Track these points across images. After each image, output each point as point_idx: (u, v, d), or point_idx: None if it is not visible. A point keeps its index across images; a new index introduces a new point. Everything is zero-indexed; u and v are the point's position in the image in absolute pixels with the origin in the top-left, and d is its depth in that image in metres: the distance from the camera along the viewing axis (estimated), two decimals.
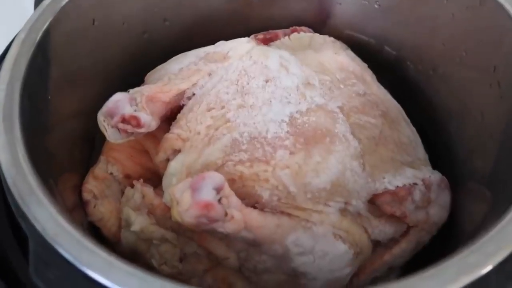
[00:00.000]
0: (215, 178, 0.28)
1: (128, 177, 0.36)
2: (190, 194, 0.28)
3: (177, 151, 0.33)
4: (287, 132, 0.32)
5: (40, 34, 0.30)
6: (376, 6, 0.42)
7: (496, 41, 0.32)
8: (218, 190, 0.28)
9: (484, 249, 0.21)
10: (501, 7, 0.32)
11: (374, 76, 0.41)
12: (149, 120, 0.32)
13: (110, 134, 0.32)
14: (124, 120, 0.31)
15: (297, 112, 0.33)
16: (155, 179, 0.35)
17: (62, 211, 0.23)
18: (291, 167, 0.31)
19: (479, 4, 0.33)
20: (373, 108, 0.37)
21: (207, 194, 0.28)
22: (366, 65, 0.41)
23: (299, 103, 0.34)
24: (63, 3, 0.33)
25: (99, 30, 0.37)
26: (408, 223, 0.35)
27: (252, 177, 0.31)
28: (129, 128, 0.31)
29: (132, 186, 0.34)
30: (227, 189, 0.28)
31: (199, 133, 0.32)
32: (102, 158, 0.36)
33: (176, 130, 0.33)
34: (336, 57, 0.39)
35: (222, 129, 0.32)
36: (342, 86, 0.37)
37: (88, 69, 0.37)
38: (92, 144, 0.39)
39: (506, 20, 0.31)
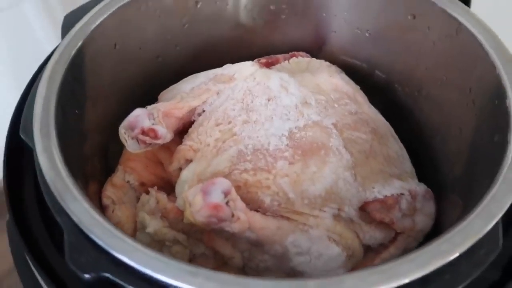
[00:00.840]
0: (223, 183, 0.32)
1: (143, 185, 0.39)
2: (202, 197, 0.31)
3: (189, 161, 0.37)
4: (287, 145, 0.37)
5: (72, 54, 0.35)
6: (367, 34, 0.46)
7: (470, 66, 0.37)
8: (226, 194, 0.32)
9: (453, 239, 0.24)
10: (474, 37, 0.36)
11: (365, 97, 0.45)
12: (165, 133, 0.36)
13: (130, 145, 0.36)
14: (143, 132, 0.35)
15: (295, 127, 0.38)
16: (168, 187, 0.39)
17: (93, 206, 0.27)
18: (290, 176, 0.35)
19: (455, 34, 0.38)
20: (364, 125, 0.41)
21: (216, 197, 0.31)
22: (358, 87, 0.46)
23: (298, 119, 0.38)
24: (92, 28, 0.37)
25: (120, 53, 0.41)
26: (396, 229, 0.39)
27: (255, 184, 0.35)
28: (147, 139, 0.35)
29: (147, 193, 0.38)
30: (233, 193, 0.32)
31: (208, 145, 0.36)
32: (119, 167, 0.40)
33: (188, 142, 0.37)
34: (331, 80, 0.43)
35: (229, 142, 0.36)
36: (336, 105, 0.41)
37: (108, 88, 0.41)
38: (107, 155, 0.43)
39: (478, 48, 0.36)
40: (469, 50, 0.37)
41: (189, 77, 0.43)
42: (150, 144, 0.36)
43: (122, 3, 0.40)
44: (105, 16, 0.38)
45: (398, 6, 0.42)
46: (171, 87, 0.43)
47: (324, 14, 0.47)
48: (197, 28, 0.47)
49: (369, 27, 0.46)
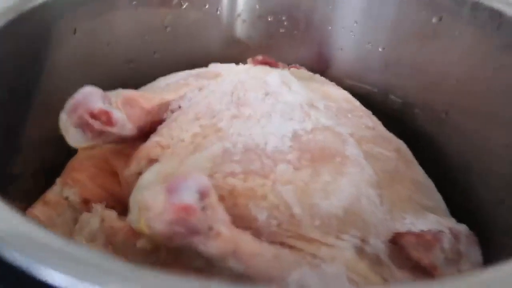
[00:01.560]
0: (199, 180, 0.22)
1: (86, 202, 0.28)
2: (165, 196, 0.21)
3: (153, 161, 0.26)
4: (290, 146, 0.27)
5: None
6: (380, 49, 0.39)
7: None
8: (203, 195, 0.21)
9: None
10: None
11: (379, 121, 0.37)
12: (122, 120, 0.26)
13: (72, 136, 0.26)
14: (92, 115, 0.25)
15: (301, 129, 0.28)
16: (119, 207, 0.28)
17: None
18: (295, 183, 0.25)
19: (496, 29, 0.31)
20: (386, 142, 0.32)
21: (188, 196, 0.21)
22: (370, 111, 0.37)
23: (303, 121, 0.29)
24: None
25: (80, 43, 0.33)
26: (436, 277, 0.28)
27: (246, 192, 0.24)
28: (97, 124, 0.25)
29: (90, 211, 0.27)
30: (213, 197, 0.22)
31: (183, 140, 0.26)
32: (58, 180, 0.30)
33: (156, 138, 0.27)
34: (341, 90, 0.35)
35: (212, 138, 0.26)
36: (349, 116, 0.33)
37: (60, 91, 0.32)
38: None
39: None
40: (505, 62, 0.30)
41: (167, 75, 0.34)
42: (100, 134, 0.25)
43: None
44: None
45: (419, 7, 0.35)
46: (142, 87, 0.34)
47: (330, 27, 0.41)
48: (181, 33, 0.39)
49: (383, 39, 0.39)
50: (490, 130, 0.33)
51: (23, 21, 0.28)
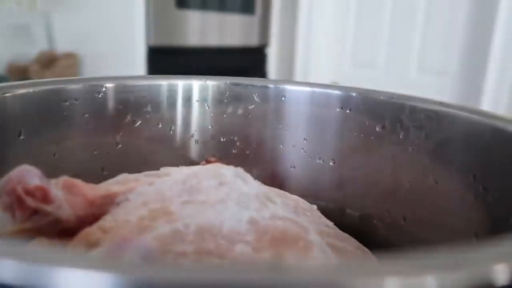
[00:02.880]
0: (144, 243, 0.19)
1: None
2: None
3: (93, 246, 0.23)
4: (248, 229, 0.25)
5: None
6: (331, 164, 0.40)
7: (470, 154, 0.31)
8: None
9: None
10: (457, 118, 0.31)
11: None
12: (60, 200, 0.23)
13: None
14: (27, 192, 0.22)
15: (258, 216, 0.26)
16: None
17: None
18: None
19: (435, 129, 0.33)
20: (348, 240, 0.31)
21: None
22: None
23: (261, 210, 0.27)
24: None
25: (26, 149, 0.32)
26: None
27: None
28: (31, 202, 0.22)
29: None
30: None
31: (127, 222, 0.23)
32: None
33: (97, 223, 0.24)
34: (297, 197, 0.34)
35: (161, 221, 0.24)
36: (308, 214, 0.31)
37: None
38: None
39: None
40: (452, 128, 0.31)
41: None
42: (32, 214, 0.22)
43: (45, 87, 0.33)
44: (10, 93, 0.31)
45: (362, 119, 0.38)
46: None
47: (281, 146, 0.42)
48: (132, 151, 0.39)
49: (332, 154, 0.40)
50: (444, 240, 0.32)
51: None
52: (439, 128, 0.33)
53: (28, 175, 0.23)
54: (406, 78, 1.88)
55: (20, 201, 0.22)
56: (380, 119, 0.37)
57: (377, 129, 0.37)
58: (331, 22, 2.07)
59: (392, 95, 0.37)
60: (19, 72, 1.45)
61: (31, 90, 0.32)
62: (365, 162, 0.39)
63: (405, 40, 1.87)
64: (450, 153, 0.32)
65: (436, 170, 0.33)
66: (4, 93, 0.30)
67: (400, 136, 0.36)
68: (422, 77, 1.84)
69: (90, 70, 1.63)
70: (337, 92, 0.39)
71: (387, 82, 1.91)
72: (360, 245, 0.32)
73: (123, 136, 0.38)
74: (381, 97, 0.37)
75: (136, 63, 1.53)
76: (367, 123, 0.38)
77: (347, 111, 0.39)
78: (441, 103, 0.33)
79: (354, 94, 0.38)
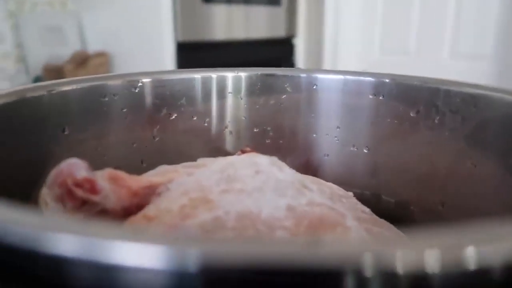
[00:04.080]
0: (188, 230, 0.20)
1: None
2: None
3: None
4: (286, 215, 0.25)
5: None
6: (365, 151, 0.40)
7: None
8: None
9: None
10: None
11: None
12: (106, 190, 0.24)
13: (51, 210, 0.24)
14: (76, 184, 0.23)
15: (296, 203, 0.27)
16: None
17: None
18: None
19: (474, 107, 0.33)
20: (385, 225, 0.31)
21: None
22: None
23: (297, 197, 0.28)
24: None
25: (71, 144, 0.33)
26: None
27: None
28: (80, 192, 0.23)
29: None
30: None
31: (170, 211, 0.24)
32: None
33: (142, 212, 0.25)
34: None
35: (202, 209, 0.25)
36: (344, 200, 0.31)
37: None
38: None
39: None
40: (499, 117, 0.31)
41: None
42: (82, 205, 0.23)
43: (85, 84, 0.34)
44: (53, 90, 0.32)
45: (396, 105, 0.38)
46: None
47: (315, 135, 0.42)
48: (168, 144, 0.40)
49: (366, 141, 0.40)
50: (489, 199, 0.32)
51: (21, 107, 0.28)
52: (476, 111, 0.32)
53: (76, 167, 0.24)
54: (439, 63, 1.84)
55: (70, 193, 0.23)
56: (414, 105, 0.37)
57: (411, 114, 0.37)
58: (358, 8, 2.04)
59: (426, 80, 0.36)
60: (55, 72, 1.50)
61: (74, 87, 0.33)
62: (400, 148, 0.38)
63: (437, 24, 1.82)
64: (488, 136, 0.32)
65: (474, 154, 0.33)
66: (50, 90, 0.31)
67: (436, 121, 0.35)
68: (456, 61, 1.79)
69: (121, 68, 1.67)
70: (369, 78, 0.39)
71: (418, 68, 1.87)
72: (398, 231, 0.32)
73: (160, 129, 0.39)
74: (415, 82, 0.37)
75: (165, 60, 1.56)
76: (400, 109, 0.38)
77: (380, 98, 0.38)
78: (477, 86, 0.33)
79: (387, 80, 0.38)
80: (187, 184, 0.28)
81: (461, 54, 1.78)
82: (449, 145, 0.35)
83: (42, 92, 0.31)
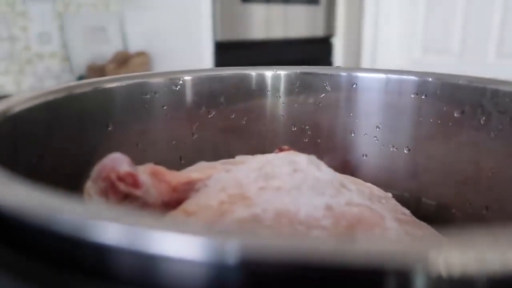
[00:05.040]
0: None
1: None
2: None
3: None
4: (324, 215, 0.25)
5: None
6: (405, 151, 0.39)
7: None
8: None
9: None
10: None
11: None
12: (148, 184, 0.25)
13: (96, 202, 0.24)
14: (118, 178, 0.24)
15: (334, 203, 0.27)
16: None
17: None
18: None
19: None
20: (425, 227, 0.30)
21: None
22: None
23: (336, 196, 0.27)
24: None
25: (114, 139, 0.34)
26: None
27: None
28: (122, 186, 0.24)
29: None
30: None
31: (209, 207, 0.25)
32: None
33: (181, 207, 0.26)
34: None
35: (240, 205, 0.25)
36: (383, 201, 0.31)
37: None
38: None
39: None
40: None
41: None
42: (124, 198, 0.24)
43: (128, 81, 0.35)
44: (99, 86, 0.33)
45: (440, 105, 0.37)
46: None
47: (353, 135, 0.42)
48: (207, 141, 0.40)
49: (407, 141, 0.39)
50: None
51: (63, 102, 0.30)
52: None
53: (119, 162, 0.25)
54: (484, 63, 1.77)
55: (113, 186, 0.24)
56: (458, 104, 0.35)
57: (455, 114, 0.36)
58: (399, 7, 2.00)
59: (471, 79, 0.35)
60: (97, 72, 1.55)
61: (117, 84, 0.34)
62: (442, 149, 0.37)
63: (482, 23, 1.75)
64: None
65: None
66: (96, 87, 0.32)
67: (481, 122, 0.34)
68: (502, 61, 1.72)
69: (161, 67, 1.71)
70: (412, 77, 0.38)
71: (462, 68, 1.80)
72: (438, 234, 0.31)
73: (198, 126, 0.40)
74: (460, 81, 0.35)
75: (204, 59, 1.58)
76: (444, 108, 0.36)
77: (423, 97, 0.37)
78: None
79: (431, 79, 0.37)
80: (225, 180, 0.28)
81: (508, 54, 1.71)
82: (496, 146, 0.33)
83: (88, 89, 0.32)
